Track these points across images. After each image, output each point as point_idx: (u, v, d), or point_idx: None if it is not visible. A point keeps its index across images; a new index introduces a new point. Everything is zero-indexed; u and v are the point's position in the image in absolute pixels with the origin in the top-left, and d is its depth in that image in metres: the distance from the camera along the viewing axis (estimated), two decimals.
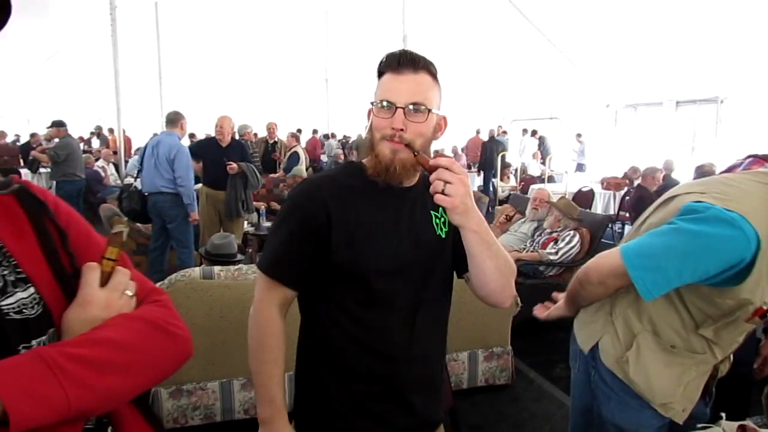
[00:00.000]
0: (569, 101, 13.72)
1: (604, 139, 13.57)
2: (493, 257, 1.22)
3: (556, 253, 4.40)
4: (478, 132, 14.82)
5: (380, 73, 1.26)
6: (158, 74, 10.90)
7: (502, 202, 8.57)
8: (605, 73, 11.73)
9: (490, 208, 7.98)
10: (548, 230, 4.76)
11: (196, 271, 2.83)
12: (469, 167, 13.05)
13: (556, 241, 4.53)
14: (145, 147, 5.21)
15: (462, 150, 14.53)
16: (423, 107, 1.20)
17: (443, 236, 1.34)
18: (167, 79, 11.12)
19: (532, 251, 4.63)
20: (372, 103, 1.26)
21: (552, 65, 12.08)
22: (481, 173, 12.03)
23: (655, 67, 10.47)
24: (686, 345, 1.50)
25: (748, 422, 1.48)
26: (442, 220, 1.34)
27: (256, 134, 9.76)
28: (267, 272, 1.31)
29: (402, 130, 1.19)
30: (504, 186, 10.34)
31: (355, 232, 1.25)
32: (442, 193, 1.09)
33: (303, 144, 11.92)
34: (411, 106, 1.20)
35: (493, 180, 10.73)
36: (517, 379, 3.55)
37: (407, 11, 9.88)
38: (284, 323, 1.31)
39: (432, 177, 1.10)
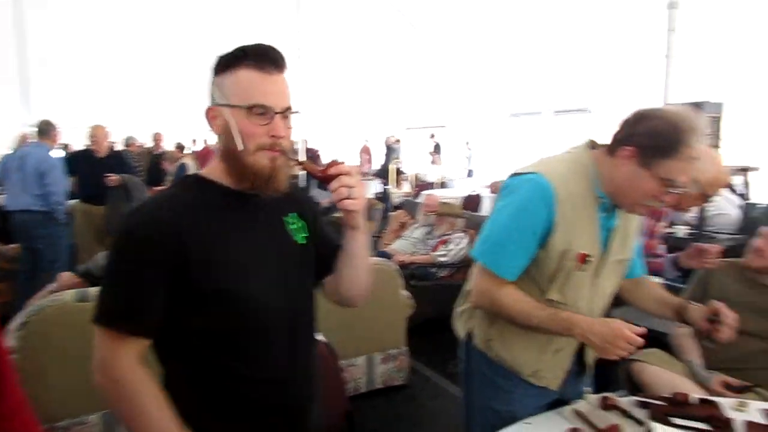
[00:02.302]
0: (459, 110, 14.31)
1: (491, 147, 14.29)
2: (367, 256, 1.28)
3: (446, 254, 4.57)
4: (366, 141, 15.16)
5: (229, 66, 1.10)
6: (17, 79, 9.74)
7: (396, 208, 8.73)
8: (491, 83, 12.36)
9: (385, 214, 8.10)
10: (439, 234, 4.92)
11: (68, 294, 2.56)
12: (364, 174, 13.23)
13: (446, 243, 4.70)
14: (6, 160, 4.72)
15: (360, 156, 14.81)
16: (292, 111, 1.13)
17: (304, 243, 1.26)
18: (35, 85, 10.07)
19: (424, 254, 4.77)
20: (226, 104, 1.10)
21: (442, 76, 12.53)
22: (379, 180, 12.28)
23: (535, 79, 11.19)
24: None
25: (610, 394, 1.62)
26: (298, 226, 1.26)
27: (141, 145, 9.30)
28: (114, 326, 1.09)
29: (282, 137, 1.11)
30: (398, 192, 10.56)
31: (217, 252, 1.10)
32: (348, 198, 1.12)
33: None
34: (285, 111, 1.12)
35: (387, 187, 10.94)
36: (413, 379, 3.64)
37: (300, 22, 9.79)
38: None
39: (334, 184, 1.12)
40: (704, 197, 2.21)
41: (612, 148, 1.50)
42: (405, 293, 3.54)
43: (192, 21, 12.61)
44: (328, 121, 16.63)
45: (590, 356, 1.69)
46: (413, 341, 3.63)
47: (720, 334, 1.52)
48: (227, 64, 1.10)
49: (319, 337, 1.99)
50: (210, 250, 1.10)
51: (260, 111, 1.09)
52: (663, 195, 1.45)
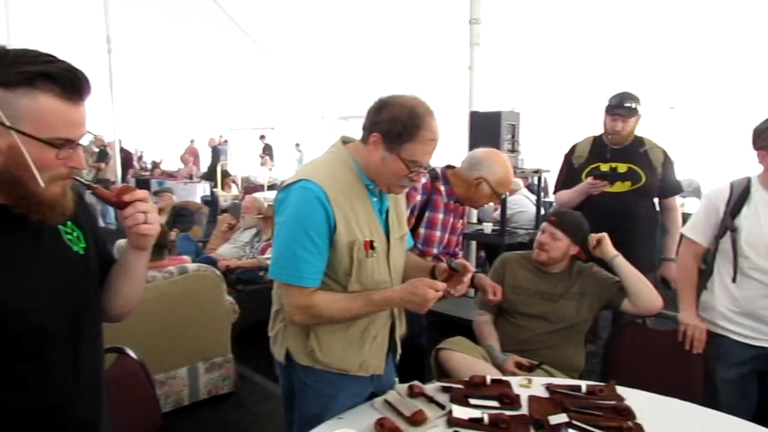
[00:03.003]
0: (287, 112, 14.27)
1: (321, 149, 14.47)
2: (145, 275, 1.29)
3: None
4: (192, 141, 14.51)
5: (25, 84, 0.93)
6: None
7: (224, 212, 8.48)
8: (320, 86, 12.52)
9: (213, 218, 7.85)
10: (267, 237, 4.87)
11: None
12: (190, 177, 12.63)
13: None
14: None
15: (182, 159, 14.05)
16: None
17: (83, 252, 1.18)
18: None
19: (251, 258, 4.69)
20: (14, 129, 0.94)
21: (270, 77, 12.40)
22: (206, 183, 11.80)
23: (359, 84, 11.55)
24: None
25: (416, 382, 1.74)
26: (74, 235, 1.17)
27: None
28: None
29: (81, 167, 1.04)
30: (226, 195, 10.25)
31: None
32: (144, 223, 1.10)
33: None
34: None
35: (214, 189, 10.56)
36: (241, 385, 3.57)
37: (111, 12, 8.94)
38: None
39: (129, 210, 1.09)
40: (496, 195, 2.46)
41: (364, 137, 1.62)
42: (229, 299, 3.45)
43: None
44: (150, 120, 15.54)
45: (398, 334, 1.81)
46: (240, 347, 3.56)
47: (455, 284, 1.67)
48: (23, 80, 0.93)
49: (129, 352, 1.86)
50: None
51: (61, 144, 0.98)
52: (411, 175, 1.59)
